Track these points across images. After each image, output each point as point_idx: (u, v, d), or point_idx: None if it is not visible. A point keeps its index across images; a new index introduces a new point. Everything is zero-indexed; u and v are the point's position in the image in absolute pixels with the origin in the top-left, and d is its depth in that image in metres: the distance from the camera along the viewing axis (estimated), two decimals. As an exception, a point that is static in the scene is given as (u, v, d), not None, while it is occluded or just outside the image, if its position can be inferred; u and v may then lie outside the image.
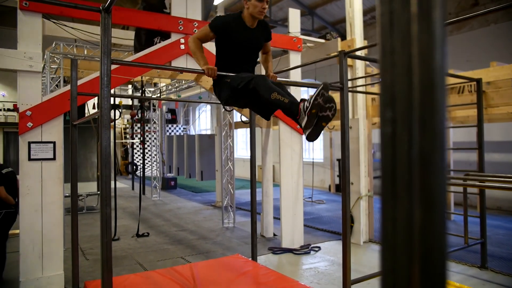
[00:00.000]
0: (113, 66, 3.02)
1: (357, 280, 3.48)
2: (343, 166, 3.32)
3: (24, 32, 3.88)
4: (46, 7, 3.91)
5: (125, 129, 18.45)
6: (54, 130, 4.05)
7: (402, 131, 0.50)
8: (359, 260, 5.18)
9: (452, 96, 6.15)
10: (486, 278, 4.35)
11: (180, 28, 4.79)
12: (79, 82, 3.66)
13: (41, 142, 3.99)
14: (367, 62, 6.21)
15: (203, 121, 21.41)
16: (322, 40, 6.32)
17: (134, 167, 14.61)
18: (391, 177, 0.50)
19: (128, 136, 18.28)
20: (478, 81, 4.71)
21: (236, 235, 6.75)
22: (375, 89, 7.20)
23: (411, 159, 0.49)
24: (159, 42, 4.82)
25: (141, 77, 7.39)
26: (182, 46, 4.82)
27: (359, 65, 6.08)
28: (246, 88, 2.70)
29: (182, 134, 16.49)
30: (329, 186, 12.90)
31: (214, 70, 2.77)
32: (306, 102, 2.53)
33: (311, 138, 2.62)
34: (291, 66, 5.49)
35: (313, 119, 2.52)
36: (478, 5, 9.23)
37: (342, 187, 3.34)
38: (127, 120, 18.53)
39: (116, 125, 18.05)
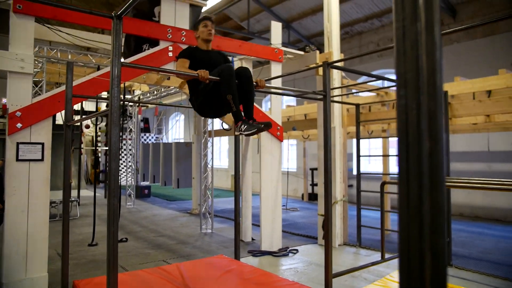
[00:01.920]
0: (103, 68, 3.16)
1: (337, 274, 3.72)
2: (326, 171, 3.59)
3: (16, 34, 3.95)
4: (39, 10, 4.01)
5: (97, 136, 18.14)
6: (43, 132, 4.11)
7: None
8: (335, 261, 5.42)
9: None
10: (452, 274, 4.72)
11: (169, 36, 4.97)
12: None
13: (30, 143, 4.04)
14: (343, 74, 6.60)
15: (176, 130, 21.40)
16: (302, 52, 6.66)
17: (105, 175, 14.42)
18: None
19: (100, 144, 18.00)
20: (445, 94, 5.15)
21: (215, 240, 6.89)
22: (351, 99, 7.62)
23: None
24: (148, 49, 4.98)
25: (123, 83, 7.46)
26: (170, 54, 5.00)
27: (336, 75, 6.45)
28: (215, 85, 3.06)
29: (158, 142, 16.42)
30: (302, 195, 13.24)
31: (207, 72, 2.99)
32: (243, 126, 3.03)
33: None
34: (272, 76, 5.77)
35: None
36: (443, 24, 9.93)
37: (325, 190, 3.60)
38: (99, 128, 18.26)
39: (87, 133, 17.76)
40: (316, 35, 12.70)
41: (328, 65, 3.65)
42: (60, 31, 4.29)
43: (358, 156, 6.41)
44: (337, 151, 6.42)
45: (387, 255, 4.25)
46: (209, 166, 7.85)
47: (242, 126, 3.01)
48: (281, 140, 6.26)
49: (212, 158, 7.77)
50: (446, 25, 9.90)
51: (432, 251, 0.71)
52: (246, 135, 3.02)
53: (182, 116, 20.05)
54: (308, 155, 13.20)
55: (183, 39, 5.13)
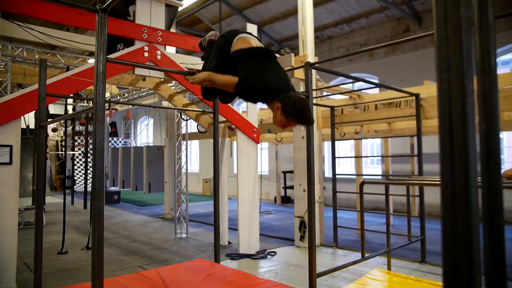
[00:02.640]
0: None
1: (320, 274, 3.74)
2: (309, 171, 3.60)
3: (-18, 30, 3.73)
4: (4, 4, 3.80)
5: (61, 141, 17.43)
6: (12, 134, 3.88)
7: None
8: (313, 261, 5.47)
9: (391, 110, 6.82)
10: (426, 270, 4.87)
11: (144, 36, 4.86)
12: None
13: (-3, 145, 3.80)
14: (318, 76, 6.69)
15: (144, 134, 20.95)
16: (277, 55, 6.68)
17: (71, 181, 13.87)
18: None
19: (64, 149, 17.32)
20: (417, 96, 5.33)
21: (191, 244, 6.76)
22: (324, 102, 7.72)
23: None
24: (122, 49, 4.84)
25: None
26: (146, 54, 4.88)
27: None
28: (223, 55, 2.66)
29: (128, 146, 16.00)
30: (275, 198, 13.27)
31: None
32: None
33: None
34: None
35: None
36: (409, 31, 10.32)
37: (308, 190, 3.61)
38: (64, 132, 17.58)
39: (51, 138, 17.04)
40: (287, 39, 12.84)
41: (310, 66, 3.68)
42: (32, 29, 4.07)
43: (334, 157, 6.50)
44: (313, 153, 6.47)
45: (366, 254, 4.31)
46: (183, 170, 7.71)
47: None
48: (257, 142, 6.25)
49: (187, 162, 7.64)
50: (412, 31, 10.28)
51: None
52: None
53: (151, 120, 19.65)
54: (280, 158, 13.27)
55: (159, 39, 5.03)
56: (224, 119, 5.91)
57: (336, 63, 11.65)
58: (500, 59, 9.37)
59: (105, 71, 2.26)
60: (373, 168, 11.64)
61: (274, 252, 6.08)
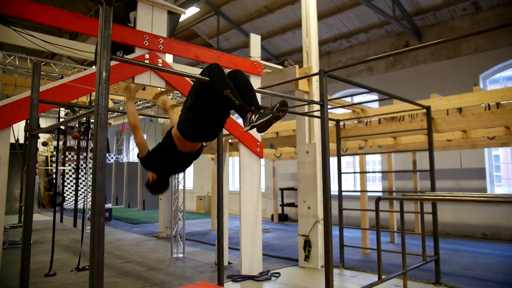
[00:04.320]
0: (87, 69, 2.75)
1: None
2: (325, 187, 3.32)
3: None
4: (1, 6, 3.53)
5: (51, 156, 16.95)
6: (1, 144, 3.55)
7: None
8: (321, 283, 5.13)
9: (394, 124, 6.62)
10: (445, 293, 4.56)
11: (145, 43, 4.61)
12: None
13: (-17, 157, 3.47)
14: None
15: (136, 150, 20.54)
16: (280, 67, 6.49)
17: (61, 198, 13.38)
18: None
19: (55, 165, 16.83)
20: (428, 108, 5.12)
21: (189, 265, 6.37)
22: (329, 115, 7.50)
23: None
24: (122, 56, 4.57)
25: (89, 96, 6.90)
26: (147, 62, 4.62)
27: (315, 91, 6.31)
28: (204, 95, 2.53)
29: (121, 162, 15.58)
30: (272, 216, 12.90)
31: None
32: (254, 116, 2.36)
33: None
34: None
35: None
36: (409, 46, 10.22)
37: (324, 208, 3.32)
38: (56, 144, 17.12)
39: (41, 153, 16.57)
40: (285, 54, 12.73)
41: (325, 74, 3.45)
42: (29, 34, 3.80)
43: (340, 173, 6.23)
44: (317, 169, 6.21)
45: (383, 276, 4.01)
46: (180, 186, 7.37)
47: (253, 116, 2.34)
48: (261, 157, 5.97)
49: (184, 178, 7.31)
50: (412, 46, 10.18)
51: None
52: (260, 125, 2.31)
53: (145, 136, 19.26)
54: (277, 174, 12.97)
55: (160, 47, 4.78)
56: (226, 133, 5.63)
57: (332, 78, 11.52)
58: (501, 74, 9.30)
59: (109, 69, 1.99)
60: (373, 185, 11.38)
61: (278, 273, 5.73)
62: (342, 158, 11.59)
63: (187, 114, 2.55)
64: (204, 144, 2.96)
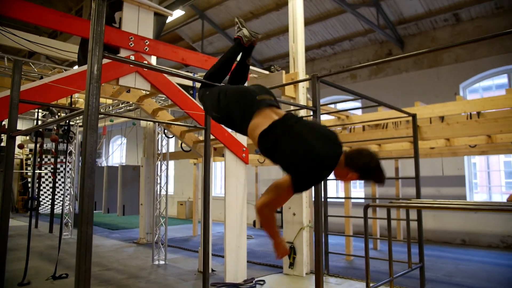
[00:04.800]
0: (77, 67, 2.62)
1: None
2: (316, 192, 3.27)
3: None
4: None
5: (27, 159, 16.39)
6: (-25, 146, 3.35)
7: None
8: (307, 291, 5.08)
9: (378, 132, 6.67)
10: (430, 301, 4.57)
11: (131, 44, 4.47)
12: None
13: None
14: (308, 96, 6.47)
15: (117, 154, 20.15)
16: (267, 72, 6.45)
17: (36, 202, 12.90)
18: None
19: (30, 168, 16.26)
20: (414, 116, 5.17)
21: (171, 273, 6.20)
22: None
23: None
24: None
25: (70, 97, 6.67)
26: (131, 65, 4.48)
27: (302, 97, 6.30)
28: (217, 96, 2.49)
29: (101, 166, 15.16)
30: (254, 222, 12.80)
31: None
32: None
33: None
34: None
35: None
36: (392, 54, 10.42)
37: (315, 215, 3.26)
38: (34, 147, 16.55)
39: (16, 155, 15.98)
40: (269, 60, 12.73)
41: (318, 79, 3.41)
42: (12, 33, 3.61)
43: (325, 180, 6.20)
44: (303, 174, 6.16)
45: (371, 284, 3.97)
46: (163, 191, 7.20)
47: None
48: (246, 163, 5.89)
49: (167, 183, 7.14)
50: (395, 55, 10.34)
51: None
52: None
53: (124, 140, 18.92)
54: (260, 180, 12.90)
55: (146, 48, 4.66)
56: (212, 138, 5.53)
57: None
58: (480, 84, 9.54)
59: (101, 67, 1.88)
60: (355, 191, 11.45)
61: (263, 281, 5.64)
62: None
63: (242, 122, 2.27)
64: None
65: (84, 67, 4.00)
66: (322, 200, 6.31)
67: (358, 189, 11.62)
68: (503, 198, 9.22)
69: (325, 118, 8.25)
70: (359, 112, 8.75)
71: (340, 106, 10.33)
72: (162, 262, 6.87)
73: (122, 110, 8.40)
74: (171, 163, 17.17)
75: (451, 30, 9.67)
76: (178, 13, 9.77)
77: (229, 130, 5.80)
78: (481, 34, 9.19)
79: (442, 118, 6.33)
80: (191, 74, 6.23)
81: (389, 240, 4.28)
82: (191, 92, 6.12)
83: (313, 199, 6.01)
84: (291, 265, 6.06)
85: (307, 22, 10.61)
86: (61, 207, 12.03)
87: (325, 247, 6.22)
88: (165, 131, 6.73)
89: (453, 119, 6.12)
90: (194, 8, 11.34)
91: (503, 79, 9.28)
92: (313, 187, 3.15)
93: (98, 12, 1.90)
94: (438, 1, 9.14)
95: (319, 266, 3.18)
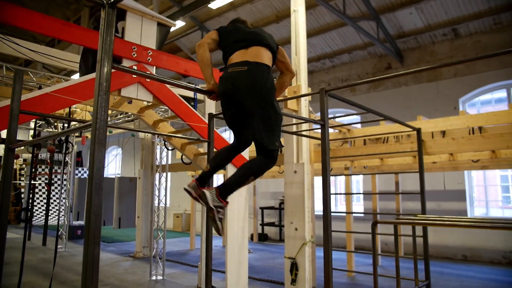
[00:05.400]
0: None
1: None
2: (325, 207, 3.17)
3: None
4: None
5: (20, 169, 16.14)
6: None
7: None
8: (310, 309, 4.93)
9: (380, 146, 6.60)
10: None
11: (134, 54, 4.40)
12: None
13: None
14: (311, 109, 6.41)
15: (112, 165, 19.94)
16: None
17: (29, 214, 12.64)
18: None
19: (23, 178, 16.01)
20: (418, 130, 5.11)
21: (169, 289, 6.04)
22: (315, 135, 7.43)
23: None
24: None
25: (69, 108, 6.57)
26: (134, 75, 4.41)
27: (304, 110, 6.22)
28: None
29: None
30: (251, 235, 12.62)
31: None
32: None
33: None
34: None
35: None
36: (391, 68, 10.44)
37: (324, 231, 3.16)
38: (24, 160, 16.32)
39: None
40: (268, 72, 12.70)
41: (326, 92, 3.34)
42: (14, 42, 3.52)
43: (329, 194, 6.10)
44: (305, 189, 6.07)
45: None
46: (162, 204, 7.06)
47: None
48: (248, 175, 5.77)
49: (166, 195, 7.01)
50: (394, 68, 10.40)
51: None
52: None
53: (120, 150, 18.75)
54: (258, 193, 12.76)
55: (149, 59, 4.59)
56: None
57: (316, 98, 11.56)
58: (493, 96, 9.52)
59: (110, 78, 1.79)
60: (355, 205, 11.35)
61: (265, 298, 5.49)
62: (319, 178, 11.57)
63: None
64: None
65: (85, 77, 3.91)
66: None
67: (356, 203, 11.52)
68: (504, 213, 9.16)
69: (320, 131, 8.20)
70: (358, 125, 8.71)
71: (339, 118, 10.29)
72: (160, 277, 6.69)
73: (120, 121, 8.29)
74: (168, 175, 17.02)
75: (449, 45, 9.72)
76: (178, 24, 9.76)
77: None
78: (480, 49, 9.26)
79: (443, 133, 6.29)
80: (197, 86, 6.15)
81: (396, 257, 4.16)
82: (192, 104, 6.04)
83: (312, 213, 5.90)
84: (293, 281, 5.91)
85: (307, 35, 10.62)
86: (54, 219, 11.83)
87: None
88: (166, 143, 6.62)
89: (455, 133, 6.08)
90: (193, 19, 11.34)
91: (502, 93, 9.31)
92: (321, 202, 3.11)
93: (107, 21, 1.81)
94: (437, 16, 9.20)
95: (329, 286, 3.06)
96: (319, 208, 9.32)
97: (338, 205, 11.85)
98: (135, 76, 4.42)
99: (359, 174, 9.56)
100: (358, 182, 11.60)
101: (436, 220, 3.92)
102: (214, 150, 5.28)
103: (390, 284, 5.80)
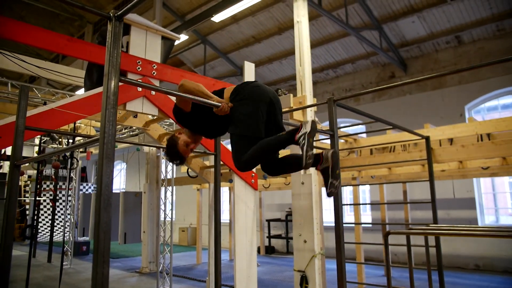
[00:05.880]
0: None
1: None
2: (337, 218, 3.10)
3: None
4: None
5: (25, 186, 16.13)
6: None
7: None
8: (322, 324, 4.80)
9: (386, 155, 6.52)
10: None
11: (139, 68, 4.38)
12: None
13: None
14: (316, 119, 6.36)
15: (117, 180, 19.91)
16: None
17: (34, 230, 12.56)
18: None
19: (28, 195, 15.98)
20: (427, 138, 5.04)
21: (177, 305, 5.92)
22: (321, 145, 7.36)
23: None
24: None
25: (74, 124, 6.56)
26: (139, 88, 4.39)
27: (308, 120, 6.17)
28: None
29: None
30: (258, 248, 12.47)
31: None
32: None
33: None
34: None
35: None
36: (395, 77, 10.41)
37: (337, 243, 3.08)
38: (28, 176, 16.32)
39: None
40: (271, 83, 12.72)
41: (334, 102, 3.29)
42: (21, 59, 3.51)
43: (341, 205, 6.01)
44: (313, 200, 5.98)
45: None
46: (168, 218, 6.98)
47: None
48: (255, 188, 5.71)
49: (172, 210, 6.93)
50: (398, 77, 10.37)
51: None
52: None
53: (124, 165, 18.74)
54: (264, 205, 12.65)
55: (154, 73, 4.57)
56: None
57: (320, 108, 11.53)
58: (499, 102, 9.43)
59: (117, 92, 1.75)
60: (362, 216, 11.20)
61: (275, 313, 5.37)
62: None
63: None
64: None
65: (90, 92, 3.89)
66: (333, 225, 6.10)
67: (363, 213, 11.38)
68: (515, 221, 9.00)
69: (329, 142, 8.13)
70: (364, 135, 8.64)
71: (344, 128, 10.23)
72: (167, 294, 6.58)
73: (125, 135, 8.27)
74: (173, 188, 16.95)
75: (453, 52, 9.69)
76: (181, 38, 9.81)
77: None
78: (483, 56, 9.22)
79: (451, 140, 6.22)
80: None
81: (410, 269, 4.05)
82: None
83: (321, 224, 5.79)
84: (303, 295, 5.78)
85: (310, 46, 10.65)
86: (59, 235, 11.75)
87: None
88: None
89: (463, 141, 6.00)
90: (196, 33, 11.41)
91: (509, 99, 9.23)
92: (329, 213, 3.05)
93: (114, 34, 1.78)
94: (440, 23, 9.19)
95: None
96: (327, 219, 9.21)
97: (345, 215, 11.70)
98: (140, 90, 4.39)
99: (367, 184, 9.45)
100: (364, 192, 11.48)
101: (450, 229, 3.82)
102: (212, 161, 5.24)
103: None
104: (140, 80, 4.44)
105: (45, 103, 5.09)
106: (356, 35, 9.07)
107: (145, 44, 4.58)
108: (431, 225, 4.69)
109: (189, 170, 6.25)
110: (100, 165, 1.66)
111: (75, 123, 6.49)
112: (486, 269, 8.44)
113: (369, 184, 10.00)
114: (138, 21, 4.49)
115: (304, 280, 5.84)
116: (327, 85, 12.01)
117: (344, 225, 9.03)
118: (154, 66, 4.56)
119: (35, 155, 10.80)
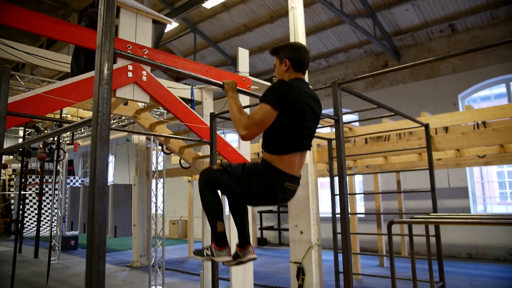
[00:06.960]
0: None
1: None
2: (343, 209, 2.95)
3: None
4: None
5: (9, 180, 15.68)
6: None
7: None
8: (321, 317, 4.70)
9: (382, 144, 6.42)
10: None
11: (129, 53, 4.14)
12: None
13: None
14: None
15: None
16: (269, 83, 6.19)
17: (20, 225, 12.22)
18: None
19: (13, 189, 15.55)
20: (426, 126, 4.93)
21: (171, 300, 5.76)
22: (322, 134, 7.23)
23: None
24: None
25: (60, 112, 6.28)
26: (130, 74, 4.16)
27: (306, 109, 6.02)
28: None
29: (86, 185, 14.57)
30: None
31: None
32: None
33: None
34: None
35: None
36: (388, 66, 10.30)
37: (342, 234, 2.93)
38: (13, 170, 15.88)
39: (-2, 176, 15.29)
40: (263, 73, 12.52)
41: (339, 86, 3.14)
42: (5, 44, 3.25)
43: (333, 195, 5.90)
44: (310, 190, 5.85)
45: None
46: (159, 211, 6.79)
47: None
48: (250, 178, 5.53)
49: (164, 202, 6.74)
50: (391, 66, 10.22)
51: None
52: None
53: (112, 158, 18.38)
54: (256, 196, 12.50)
55: (144, 57, 4.33)
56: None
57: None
58: (492, 92, 9.40)
59: (112, 66, 1.56)
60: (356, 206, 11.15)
61: (272, 306, 5.25)
62: (321, 179, 11.39)
63: None
64: None
65: (79, 77, 3.66)
66: (329, 216, 5.99)
67: (359, 203, 11.33)
68: (508, 209, 9.04)
69: (326, 131, 8.02)
70: (356, 123, 8.54)
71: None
72: (159, 287, 6.41)
73: (114, 126, 8.00)
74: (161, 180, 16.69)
75: (447, 41, 9.62)
76: (172, 23, 9.52)
77: (233, 145, 5.48)
78: (477, 44, 9.15)
79: (446, 129, 6.13)
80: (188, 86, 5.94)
81: (412, 258, 3.95)
82: (189, 104, 5.79)
83: (317, 215, 5.68)
84: (300, 287, 5.67)
85: (302, 34, 10.47)
86: (46, 230, 11.45)
87: (336, 266, 5.87)
88: (163, 147, 6.36)
89: (460, 129, 5.92)
90: (186, 21, 11.12)
91: (501, 89, 9.21)
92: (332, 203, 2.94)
93: (107, 2, 1.58)
94: (434, 12, 9.09)
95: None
96: (323, 210, 9.12)
97: (338, 206, 11.65)
98: (131, 75, 4.17)
99: (363, 174, 9.37)
100: (359, 182, 11.42)
101: (453, 218, 3.73)
102: (207, 151, 5.06)
103: (402, 286, 5.60)
104: (131, 66, 4.22)
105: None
106: (350, 22, 8.92)
107: (135, 28, 4.34)
108: (431, 214, 4.60)
109: (181, 161, 6.05)
110: (94, 149, 1.47)
111: (61, 111, 6.22)
112: (479, 258, 8.47)
113: (362, 174, 9.94)
114: (128, 3, 4.25)
115: (301, 271, 5.73)
116: (319, 74, 11.85)
117: (337, 215, 8.89)
118: (145, 51, 4.33)
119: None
